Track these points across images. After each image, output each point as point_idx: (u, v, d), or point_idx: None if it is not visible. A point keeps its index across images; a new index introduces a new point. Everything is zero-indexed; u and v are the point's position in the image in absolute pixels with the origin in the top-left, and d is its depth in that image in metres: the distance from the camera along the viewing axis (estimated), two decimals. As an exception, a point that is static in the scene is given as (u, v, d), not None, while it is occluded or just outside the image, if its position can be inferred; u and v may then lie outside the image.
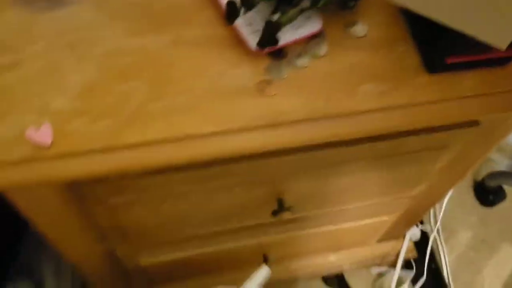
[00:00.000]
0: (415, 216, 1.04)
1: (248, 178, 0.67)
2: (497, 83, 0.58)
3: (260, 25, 0.55)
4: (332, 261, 1.21)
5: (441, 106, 0.56)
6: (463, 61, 0.56)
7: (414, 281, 1.32)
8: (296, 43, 0.58)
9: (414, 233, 1.29)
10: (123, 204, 0.65)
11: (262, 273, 0.74)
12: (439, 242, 1.38)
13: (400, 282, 1.31)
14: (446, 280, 1.33)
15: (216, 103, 0.54)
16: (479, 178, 1.49)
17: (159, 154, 0.52)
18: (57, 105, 0.53)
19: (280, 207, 0.73)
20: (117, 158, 0.51)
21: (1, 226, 1.06)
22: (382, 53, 0.59)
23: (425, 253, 1.32)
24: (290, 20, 0.55)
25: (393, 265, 1.30)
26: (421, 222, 1.36)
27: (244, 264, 0.92)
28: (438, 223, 1.37)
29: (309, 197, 0.77)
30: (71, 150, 0.51)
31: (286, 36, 0.56)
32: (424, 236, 1.35)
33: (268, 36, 0.54)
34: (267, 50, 0.57)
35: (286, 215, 0.75)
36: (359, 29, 0.61)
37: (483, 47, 0.52)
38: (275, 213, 0.75)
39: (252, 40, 0.56)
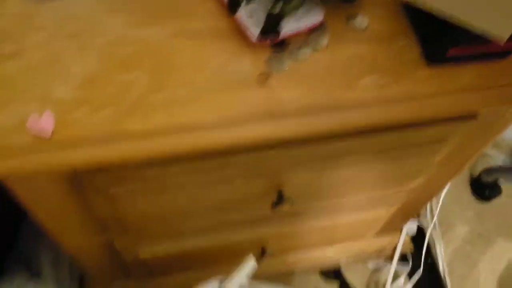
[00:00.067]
0: (412, 210, 1.05)
1: (248, 170, 0.68)
2: (496, 77, 0.58)
3: (261, 17, 0.56)
4: (329, 255, 1.21)
5: (441, 99, 0.57)
6: (463, 54, 0.57)
7: (410, 275, 1.33)
8: (298, 35, 0.58)
9: (410, 227, 1.30)
10: (123, 194, 0.65)
11: (249, 264, 0.74)
12: (435, 237, 1.39)
13: (396, 276, 1.32)
14: (442, 274, 1.34)
15: (217, 94, 0.54)
16: (476, 173, 1.50)
17: (160, 144, 0.52)
18: (59, 94, 0.53)
19: (280, 199, 0.73)
20: (118, 148, 0.51)
21: (0, 216, 1.06)
22: (382, 46, 0.59)
23: (422, 247, 1.33)
24: (292, 11, 0.55)
25: (389, 259, 1.31)
26: (418, 217, 1.37)
27: (243, 256, 0.93)
28: (435, 217, 1.38)
29: (309, 189, 0.77)
30: (72, 139, 0.51)
31: (287, 28, 0.57)
32: (421, 231, 1.36)
33: (270, 27, 0.55)
34: (268, 42, 0.57)
35: (285, 207, 0.75)
36: (360, 22, 0.61)
37: (483, 40, 0.52)
38: (274, 205, 0.75)
39: (254, 32, 0.56)
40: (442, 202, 1.40)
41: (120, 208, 0.69)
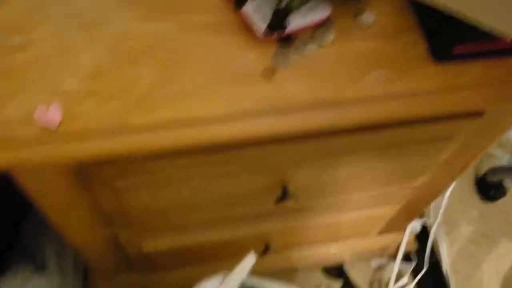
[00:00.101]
0: (417, 208, 1.04)
1: (253, 165, 0.68)
2: (503, 74, 0.58)
3: (268, 12, 0.56)
4: (333, 252, 1.21)
5: (446, 96, 0.57)
6: (469, 51, 0.57)
7: (414, 273, 1.33)
8: (304, 30, 0.58)
9: (415, 226, 1.30)
10: (129, 187, 0.66)
11: (250, 261, 0.75)
12: (439, 236, 1.39)
13: (400, 274, 1.31)
14: (446, 274, 1.34)
15: (223, 88, 0.55)
16: (481, 173, 1.50)
17: (166, 137, 0.53)
18: (66, 86, 0.53)
19: (284, 195, 0.73)
20: (125, 141, 0.52)
21: (5, 208, 1.07)
22: (388, 43, 0.59)
23: (426, 246, 1.32)
24: (298, 6, 0.55)
25: (393, 257, 1.30)
26: (422, 216, 1.37)
27: (246, 252, 0.93)
28: (439, 216, 1.38)
29: (313, 186, 0.77)
30: (79, 131, 0.51)
31: (294, 23, 0.57)
32: (425, 230, 1.35)
33: (277, 22, 0.55)
34: (274, 37, 0.57)
35: (290, 203, 0.75)
36: (367, 18, 0.61)
37: (490, 37, 0.52)
38: (279, 200, 0.75)
39: (260, 27, 0.56)
40: (447, 202, 1.40)
41: (125, 201, 0.69)
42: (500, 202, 1.48)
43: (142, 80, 0.54)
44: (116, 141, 0.52)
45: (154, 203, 0.73)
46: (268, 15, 0.55)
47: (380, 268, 1.34)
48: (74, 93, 0.53)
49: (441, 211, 1.38)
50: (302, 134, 0.58)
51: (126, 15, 0.59)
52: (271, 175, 0.71)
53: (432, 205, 1.39)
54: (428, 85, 0.56)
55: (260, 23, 0.56)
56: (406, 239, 1.25)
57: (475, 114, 0.64)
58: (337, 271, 1.33)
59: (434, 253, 1.35)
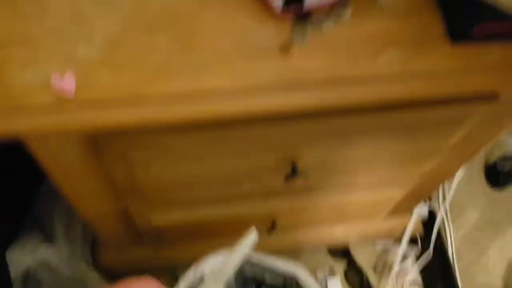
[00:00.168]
0: (425, 192, 1.05)
1: (264, 142, 0.68)
2: (521, 57, 0.58)
3: (286, -13, 0.55)
4: (338, 233, 1.22)
5: (462, 77, 0.56)
6: (488, 32, 0.56)
7: (419, 258, 1.33)
8: (321, 7, 0.58)
9: (422, 210, 1.30)
10: (140, 160, 0.66)
11: (252, 237, 0.75)
12: (446, 221, 1.39)
13: (404, 258, 1.32)
14: (451, 259, 1.35)
15: (239, 62, 0.55)
16: (491, 160, 1.49)
17: (180, 109, 0.53)
18: (82, 55, 0.53)
19: (294, 172, 0.74)
20: (139, 110, 0.52)
21: (16, 181, 1.08)
22: (406, 22, 0.59)
23: (431, 231, 1.32)
24: (316, -18, 0.55)
25: (398, 241, 1.31)
26: (430, 200, 1.37)
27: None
28: (447, 202, 1.38)
29: (323, 164, 0.78)
30: (94, 101, 0.51)
31: (311, 0, 0.56)
32: (432, 215, 1.35)
33: (295, -3, 0.54)
34: (292, 13, 0.57)
35: (299, 181, 0.76)
36: (385, -4, 0.60)
37: (509, 19, 0.51)
38: (288, 178, 0.75)
39: (277, 3, 0.56)
40: (455, 187, 1.40)
41: (136, 173, 0.70)
42: (509, 190, 1.48)
43: (158, 51, 0.54)
44: (130, 111, 0.52)
45: (164, 177, 0.73)
46: (286, -10, 0.55)
47: (385, 251, 1.35)
48: (89, 62, 0.53)
49: (449, 196, 1.38)
50: (316, 111, 0.58)
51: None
52: (282, 152, 0.71)
53: (440, 190, 1.39)
54: (444, 66, 0.56)
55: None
56: (413, 223, 1.26)
57: (489, 97, 0.63)
58: (342, 252, 1.34)
59: (440, 238, 1.35)
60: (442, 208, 1.37)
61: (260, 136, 0.66)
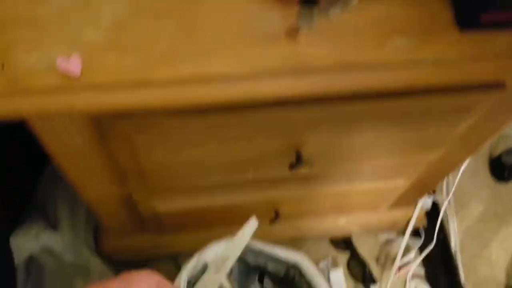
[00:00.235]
0: (429, 183, 1.04)
1: (269, 128, 0.68)
2: (530, 46, 0.57)
3: (293, -29, 0.55)
4: (341, 224, 1.22)
5: (470, 65, 0.56)
6: (496, 20, 0.55)
7: (421, 250, 1.33)
8: (328, -8, 0.58)
9: (425, 202, 1.30)
10: (144, 143, 0.66)
11: (252, 225, 0.75)
12: (449, 213, 1.39)
13: (407, 250, 1.32)
14: (454, 251, 1.35)
15: (245, 47, 0.54)
16: (496, 154, 1.49)
17: (185, 93, 0.53)
18: (88, 38, 0.53)
19: (298, 160, 0.74)
20: (144, 94, 0.52)
21: (19, 167, 1.09)
22: (414, 8, 0.58)
23: (435, 223, 1.32)
24: (324, -33, 0.54)
25: (401, 232, 1.31)
26: (434, 192, 1.36)
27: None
28: (451, 194, 1.38)
29: (328, 152, 0.77)
30: (99, 83, 0.51)
31: (319, -16, 0.56)
32: (435, 207, 1.35)
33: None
34: (299, -3, 0.57)
35: (303, 169, 0.75)
36: (393, -17, 0.60)
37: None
38: (292, 166, 0.75)
39: (284, -13, 0.56)
40: (459, 180, 1.39)
41: (140, 157, 0.70)
42: (513, 183, 1.48)
43: (163, 35, 0.54)
44: (135, 94, 0.52)
45: (168, 162, 0.73)
46: (293, -26, 0.54)
47: (387, 242, 1.35)
48: (95, 45, 0.53)
49: (453, 189, 1.38)
50: (321, 97, 0.58)
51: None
52: (286, 140, 0.71)
53: (444, 182, 1.39)
54: (451, 54, 0.56)
55: (285, -17, 0.56)
56: (416, 214, 1.25)
57: (496, 86, 0.63)
58: (344, 243, 1.34)
59: (443, 231, 1.35)
60: (446, 200, 1.37)
61: (265, 122, 0.66)
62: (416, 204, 1.25)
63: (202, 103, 0.54)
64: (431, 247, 1.31)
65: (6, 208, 1.06)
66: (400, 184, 0.99)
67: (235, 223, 0.84)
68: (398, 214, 1.24)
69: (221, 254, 0.75)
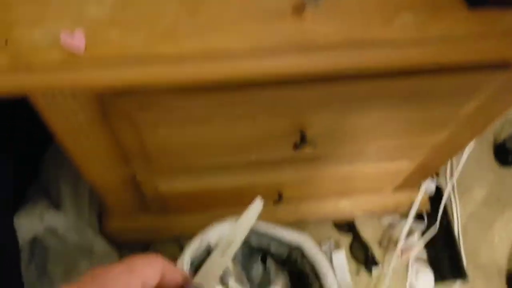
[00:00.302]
0: (433, 167, 1.04)
1: (273, 107, 0.68)
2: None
3: None
4: (345, 207, 1.22)
5: (477, 43, 0.55)
6: (506, -2, 0.55)
7: (424, 234, 1.33)
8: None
9: (429, 186, 1.29)
10: (148, 122, 0.66)
11: (257, 206, 0.75)
12: (453, 197, 1.39)
13: (410, 233, 1.32)
14: (457, 235, 1.35)
15: (250, 23, 0.54)
16: (500, 139, 1.48)
17: (189, 70, 0.52)
18: (92, 14, 0.52)
19: (303, 140, 0.73)
20: (148, 70, 0.52)
21: (23, 147, 1.09)
22: (421, -15, 0.57)
23: (438, 207, 1.32)
24: None
25: (404, 216, 1.31)
26: (437, 176, 1.36)
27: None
28: (454, 178, 1.37)
29: (332, 133, 0.77)
30: (102, 59, 0.51)
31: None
32: (439, 191, 1.35)
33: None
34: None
35: (307, 150, 0.75)
36: (401, -41, 0.59)
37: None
38: (296, 146, 0.75)
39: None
40: (463, 165, 1.39)
41: (143, 136, 0.70)
42: (518, 168, 1.47)
43: (167, 12, 0.53)
44: (138, 70, 0.52)
45: (171, 141, 0.73)
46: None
47: (390, 226, 1.35)
48: (99, 21, 0.52)
49: (457, 173, 1.38)
50: (327, 75, 0.57)
51: None
52: (290, 119, 0.71)
53: (448, 167, 1.38)
54: (459, 30, 0.55)
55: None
56: (420, 198, 1.25)
57: (503, 66, 0.62)
58: (347, 226, 1.34)
59: (446, 215, 1.35)
60: (449, 184, 1.37)
61: (269, 101, 0.66)
62: (419, 188, 1.25)
63: (206, 80, 0.54)
64: (434, 231, 1.31)
65: (10, 188, 1.06)
66: (404, 166, 0.99)
67: (239, 205, 0.84)
68: (402, 198, 1.24)
69: (225, 235, 0.75)
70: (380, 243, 1.34)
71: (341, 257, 1.28)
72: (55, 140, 0.69)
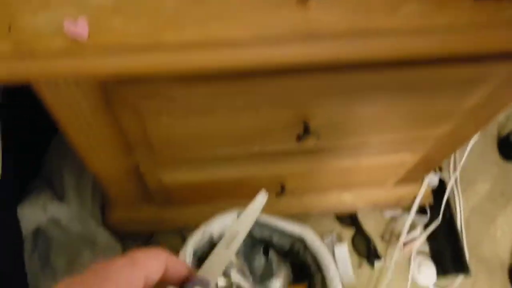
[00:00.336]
0: (436, 160, 1.04)
1: (276, 97, 0.67)
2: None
3: None
4: (347, 199, 1.22)
5: (483, 33, 0.55)
6: (512, -13, 0.54)
7: (427, 228, 1.33)
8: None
9: (432, 179, 1.29)
10: (151, 111, 0.66)
11: (262, 198, 0.75)
12: (456, 191, 1.38)
13: (412, 227, 1.32)
14: (459, 229, 1.35)
15: (254, 11, 0.53)
16: (504, 133, 1.48)
17: (193, 58, 0.52)
18: (96, 1, 0.52)
19: (306, 131, 0.73)
20: (151, 58, 0.51)
21: (27, 138, 1.09)
22: (427, -26, 0.57)
23: (441, 200, 1.32)
24: None
25: (407, 210, 1.31)
26: (440, 170, 1.36)
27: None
28: (457, 172, 1.37)
29: (335, 124, 0.77)
30: (106, 47, 0.51)
31: None
32: (442, 184, 1.35)
33: None
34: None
35: (311, 141, 0.75)
36: None
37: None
38: (299, 137, 0.75)
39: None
40: (467, 159, 1.39)
41: (146, 125, 0.70)
42: (521, 163, 1.47)
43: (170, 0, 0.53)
44: (142, 58, 0.51)
45: (174, 131, 0.73)
46: None
47: (393, 219, 1.35)
48: (102, 9, 0.52)
49: (460, 167, 1.37)
50: (331, 65, 0.57)
51: None
52: (294, 109, 0.71)
53: (452, 161, 1.38)
54: (464, 20, 0.54)
55: None
56: (423, 192, 1.25)
57: (508, 56, 0.62)
58: (350, 219, 1.34)
59: (449, 209, 1.35)
60: (452, 178, 1.37)
61: (273, 91, 0.65)
62: (422, 181, 1.25)
63: (208, 68, 0.54)
64: (436, 224, 1.31)
65: (13, 179, 1.06)
66: (407, 159, 0.98)
67: (241, 197, 0.84)
68: (404, 191, 1.24)
69: (229, 228, 0.75)
70: (382, 236, 1.34)
71: (343, 250, 1.28)
72: (58, 130, 0.69)
